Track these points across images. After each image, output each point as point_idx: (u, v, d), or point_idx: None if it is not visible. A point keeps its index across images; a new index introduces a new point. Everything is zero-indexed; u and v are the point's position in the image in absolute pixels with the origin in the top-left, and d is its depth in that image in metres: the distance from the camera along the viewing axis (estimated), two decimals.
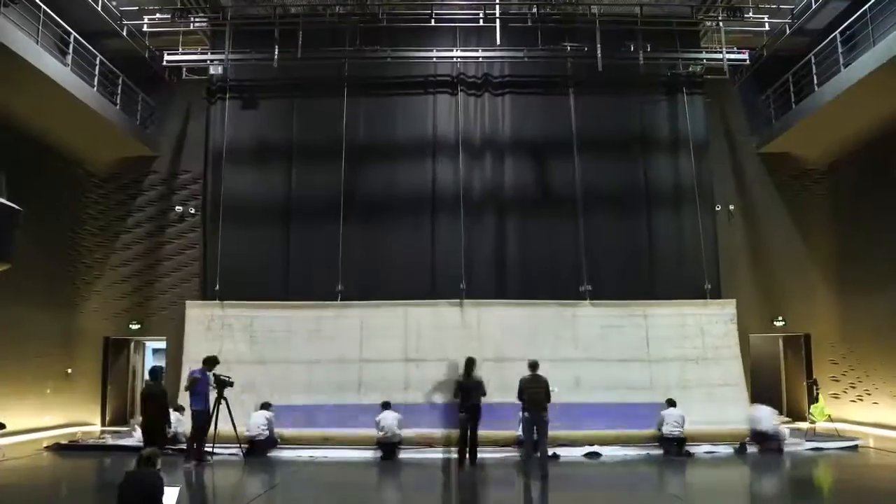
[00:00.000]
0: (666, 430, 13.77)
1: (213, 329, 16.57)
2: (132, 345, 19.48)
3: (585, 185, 17.36)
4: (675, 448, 13.51)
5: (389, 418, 13.80)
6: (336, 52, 17.37)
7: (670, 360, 16.21)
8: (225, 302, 16.79)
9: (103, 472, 12.69)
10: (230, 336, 16.49)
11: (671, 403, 14.21)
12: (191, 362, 15.71)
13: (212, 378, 12.95)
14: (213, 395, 12.93)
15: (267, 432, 13.86)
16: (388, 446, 13.64)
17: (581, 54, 17.27)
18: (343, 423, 15.15)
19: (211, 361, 13.12)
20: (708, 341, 16.35)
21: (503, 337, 16.26)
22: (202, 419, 12.56)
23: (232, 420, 13.03)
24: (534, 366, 12.28)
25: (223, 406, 12.98)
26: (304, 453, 13.75)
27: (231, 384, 13.26)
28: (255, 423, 13.84)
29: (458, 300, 16.60)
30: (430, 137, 17.70)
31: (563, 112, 17.62)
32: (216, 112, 17.93)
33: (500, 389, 14.09)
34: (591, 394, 15.78)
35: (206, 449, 12.71)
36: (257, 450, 13.61)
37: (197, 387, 12.65)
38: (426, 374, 15.84)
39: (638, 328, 16.44)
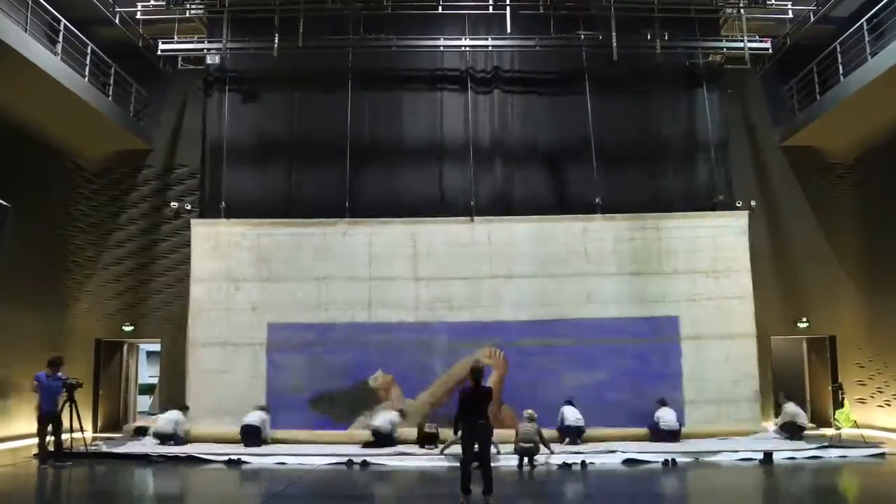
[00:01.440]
0: (664, 425, 15.05)
1: (219, 247, 16.88)
2: (125, 347, 19.33)
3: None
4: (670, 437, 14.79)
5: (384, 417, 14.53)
6: (339, 40, 17.22)
7: (682, 272, 16.66)
8: (231, 220, 17.03)
9: (95, 480, 12.55)
10: (237, 254, 16.81)
11: (662, 403, 15.51)
12: (198, 281, 16.60)
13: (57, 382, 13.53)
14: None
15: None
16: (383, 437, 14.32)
17: (595, 43, 17.14)
18: (352, 340, 16.11)
19: (55, 363, 13.66)
20: (719, 254, 16.75)
21: (514, 253, 16.70)
22: (47, 419, 13.36)
23: (80, 421, 13.51)
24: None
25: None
26: (270, 459, 13.52)
27: (79, 386, 13.74)
28: (248, 420, 14.71)
29: (467, 217, 16.89)
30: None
31: (576, 101, 17.47)
32: (213, 104, 17.78)
33: (513, 306, 16.20)
34: (603, 308, 16.46)
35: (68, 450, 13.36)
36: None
37: (42, 390, 13.44)
38: (436, 293, 16.49)
39: (650, 241, 16.85)
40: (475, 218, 16.89)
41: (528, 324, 16.35)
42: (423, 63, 17.79)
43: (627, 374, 16.22)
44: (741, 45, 17.06)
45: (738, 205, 17.46)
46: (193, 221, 17.15)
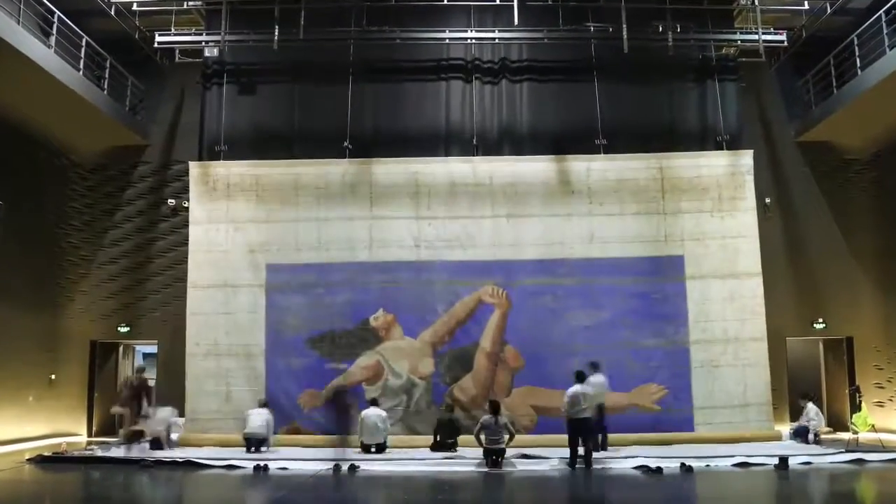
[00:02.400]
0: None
1: (218, 189, 16.96)
2: (121, 349, 19.25)
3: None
4: None
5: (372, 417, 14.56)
6: (341, 32, 17.08)
7: (686, 212, 16.75)
8: (229, 161, 17.13)
9: (90, 486, 12.44)
10: (235, 195, 16.94)
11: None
12: (197, 224, 16.78)
13: None
14: None
15: (265, 433, 14.72)
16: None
17: (605, 35, 16.97)
18: (353, 280, 16.44)
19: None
20: (724, 193, 16.80)
21: (517, 193, 16.84)
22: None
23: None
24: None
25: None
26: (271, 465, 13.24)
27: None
28: (254, 423, 14.67)
29: (470, 156, 17.12)
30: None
31: (585, 93, 17.39)
32: (212, 98, 17.65)
33: (515, 246, 16.59)
34: (607, 248, 16.64)
35: None
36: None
37: None
38: (438, 232, 16.71)
39: (653, 181, 16.90)
40: (478, 156, 17.12)
41: (531, 263, 16.62)
42: (428, 54, 17.65)
43: (632, 314, 16.40)
44: (755, 37, 16.87)
45: (767, 201, 17.53)
46: (191, 164, 17.21)
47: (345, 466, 12.76)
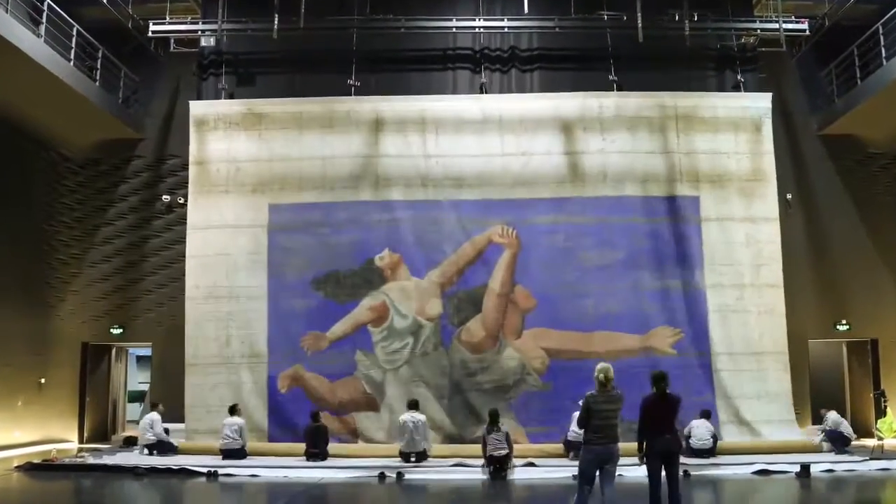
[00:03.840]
0: (694, 443, 14.31)
1: (219, 128, 17.05)
2: (113, 351, 19.18)
3: None
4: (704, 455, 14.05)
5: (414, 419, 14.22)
6: (343, 21, 17.01)
7: (701, 152, 16.80)
8: (231, 100, 17.21)
9: (81, 494, 12.41)
10: (237, 133, 17.02)
11: (705, 415, 14.64)
12: (196, 164, 16.87)
13: None
14: None
15: (239, 441, 14.48)
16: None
17: (620, 24, 16.91)
18: (358, 220, 16.55)
19: None
20: (741, 135, 16.89)
21: (527, 131, 16.84)
22: None
23: None
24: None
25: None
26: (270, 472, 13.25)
27: None
28: (226, 435, 14.56)
29: (478, 94, 17.18)
30: None
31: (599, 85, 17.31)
32: (208, 89, 17.64)
33: (525, 184, 16.61)
34: (620, 187, 16.68)
35: None
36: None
37: None
38: (446, 170, 16.73)
39: (667, 119, 16.92)
40: (486, 94, 17.13)
41: (542, 202, 16.67)
42: (434, 43, 17.61)
43: (646, 255, 16.48)
44: (776, 25, 16.79)
45: (788, 196, 17.45)
46: (192, 103, 17.23)
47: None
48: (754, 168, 16.73)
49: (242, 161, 16.81)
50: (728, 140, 16.82)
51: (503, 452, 12.80)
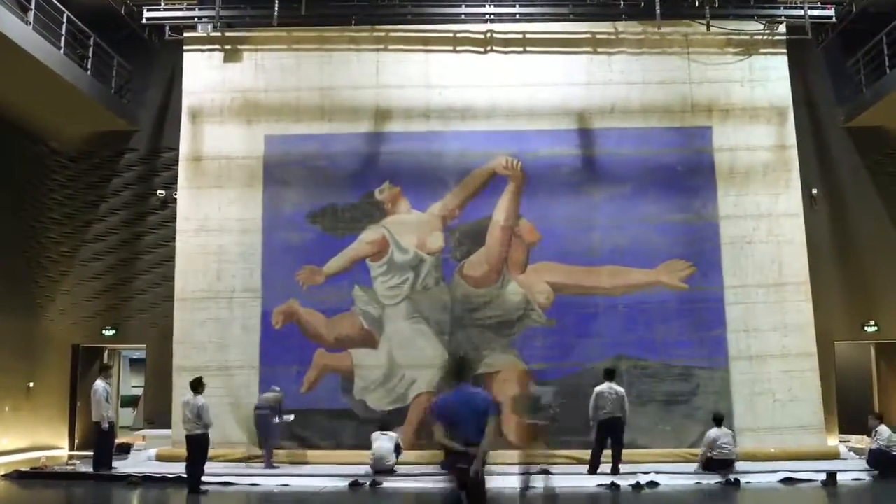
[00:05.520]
0: (716, 453, 13.96)
1: (213, 57, 17.19)
2: (105, 354, 19.05)
3: None
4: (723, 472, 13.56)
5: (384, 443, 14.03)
6: (346, 7, 16.88)
7: (713, 82, 16.87)
8: (225, 33, 17.15)
9: None
10: (233, 66, 17.12)
11: (718, 422, 14.27)
12: (191, 95, 16.99)
13: None
14: None
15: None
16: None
17: (636, 11, 16.85)
18: (358, 151, 16.71)
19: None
20: (755, 62, 16.94)
21: (533, 60, 16.96)
22: None
23: None
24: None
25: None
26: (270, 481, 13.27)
27: None
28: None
29: (483, 23, 17.02)
30: None
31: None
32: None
33: (531, 115, 16.65)
34: (628, 118, 16.76)
35: None
36: None
37: None
38: (450, 100, 16.80)
39: (679, 47, 17.00)
40: (493, 23, 17.03)
41: (548, 133, 16.77)
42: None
43: (655, 187, 16.55)
44: (801, 12, 16.63)
45: (814, 192, 17.33)
46: (186, 36, 17.22)
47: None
48: (768, 95, 16.80)
49: (237, 91, 16.94)
50: (741, 67, 16.85)
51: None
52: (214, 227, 16.59)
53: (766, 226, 16.37)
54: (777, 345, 15.91)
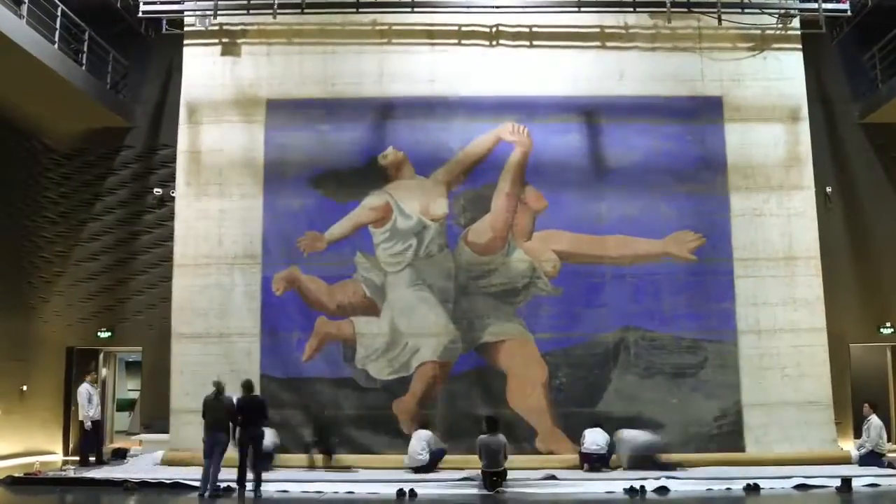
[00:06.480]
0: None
1: (210, 30, 17.14)
2: (101, 356, 18.96)
3: None
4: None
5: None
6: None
7: (724, 49, 17.07)
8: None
9: None
10: (231, 39, 17.20)
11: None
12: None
13: None
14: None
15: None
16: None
17: (646, 2, 16.75)
18: (362, 116, 16.76)
19: None
20: (767, 33, 17.04)
21: (541, 24, 17.02)
22: None
23: None
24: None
25: None
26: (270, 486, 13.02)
27: None
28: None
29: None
30: None
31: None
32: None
33: (538, 81, 16.79)
34: (638, 86, 16.87)
35: None
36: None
37: None
38: (455, 64, 16.92)
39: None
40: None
41: (556, 99, 16.86)
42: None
43: (665, 157, 16.62)
44: (815, 5, 16.58)
45: (828, 190, 17.38)
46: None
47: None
48: (781, 66, 16.87)
49: (238, 55, 17.09)
50: (753, 37, 16.94)
51: (499, 468, 13.00)
52: (214, 193, 16.64)
53: (776, 199, 16.42)
54: (786, 319, 15.98)
